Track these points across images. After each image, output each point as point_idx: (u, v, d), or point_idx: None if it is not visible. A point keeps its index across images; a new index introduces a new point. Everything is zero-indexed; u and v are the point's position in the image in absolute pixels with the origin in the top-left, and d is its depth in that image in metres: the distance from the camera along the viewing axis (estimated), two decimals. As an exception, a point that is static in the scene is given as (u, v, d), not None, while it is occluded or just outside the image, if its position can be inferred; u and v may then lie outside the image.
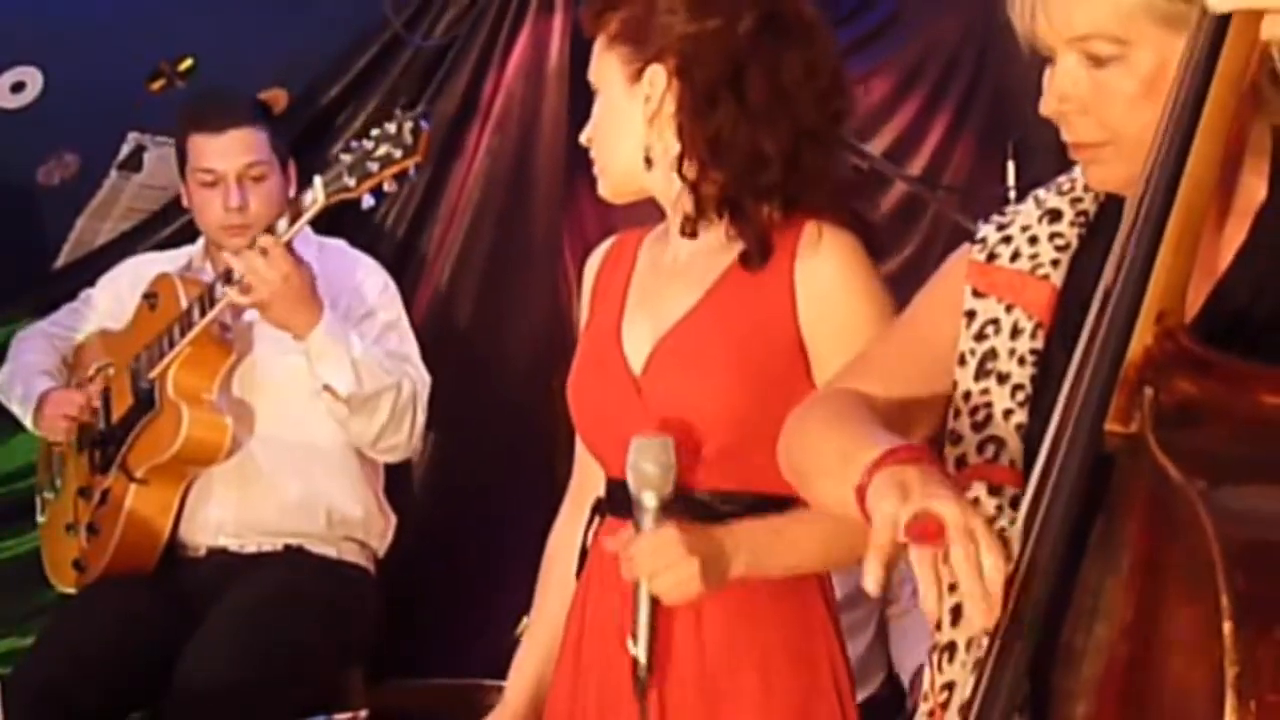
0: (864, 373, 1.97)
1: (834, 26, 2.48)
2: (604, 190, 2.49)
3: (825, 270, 2.31)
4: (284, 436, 3.75)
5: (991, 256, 1.87)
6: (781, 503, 2.20)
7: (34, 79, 4.29)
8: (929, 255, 4.35)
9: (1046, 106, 1.74)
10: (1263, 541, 1.40)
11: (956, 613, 1.72)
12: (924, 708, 1.85)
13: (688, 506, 2.27)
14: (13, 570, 4.28)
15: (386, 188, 3.41)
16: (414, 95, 4.45)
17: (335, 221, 3.80)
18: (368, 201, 3.42)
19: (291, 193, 3.74)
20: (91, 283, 4.07)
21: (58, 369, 3.97)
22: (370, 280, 3.88)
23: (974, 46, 4.58)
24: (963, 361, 1.85)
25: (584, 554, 2.46)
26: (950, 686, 1.79)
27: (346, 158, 3.39)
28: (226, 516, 3.76)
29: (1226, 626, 1.34)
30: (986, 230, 1.90)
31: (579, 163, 2.54)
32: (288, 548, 3.76)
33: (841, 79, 2.40)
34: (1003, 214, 1.91)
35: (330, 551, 3.79)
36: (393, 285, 3.91)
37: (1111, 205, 1.78)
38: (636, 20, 2.38)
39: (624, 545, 2.23)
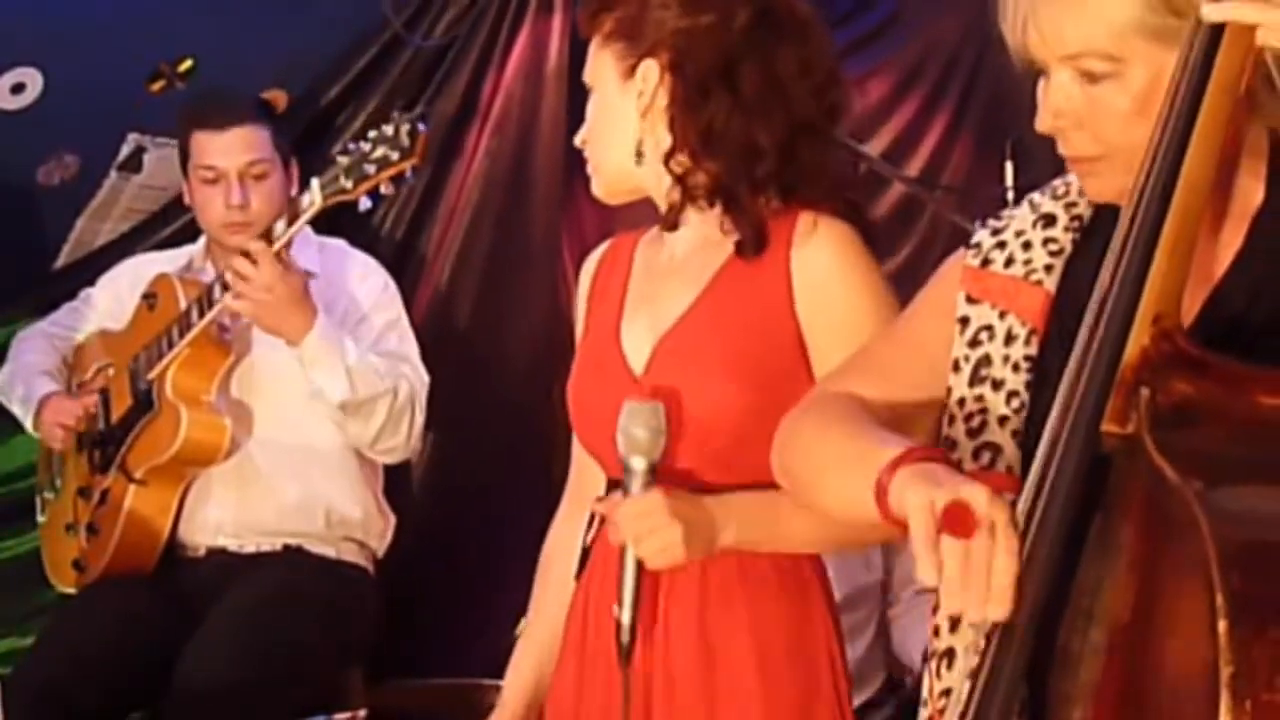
0: (858, 375, 1.97)
1: (832, 27, 2.48)
2: (598, 189, 2.49)
3: (821, 260, 2.31)
4: (283, 437, 3.75)
5: (986, 262, 1.87)
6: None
7: (34, 80, 4.29)
8: (927, 256, 4.35)
9: (1042, 122, 1.74)
10: (1259, 541, 1.41)
11: (956, 620, 1.73)
12: (923, 714, 1.85)
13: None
14: (13, 570, 4.28)
15: (384, 190, 3.41)
16: (413, 96, 4.45)
17: (334, 222, 3.80)
18: (365, 203, 3.43)
19: (293, 191, 3.75)
20: (91, 283, 4.07)
21: (58, 369, 3.97)
22: (370, 280, 3.88)
23: (973, 47, 4.59)
24: (957, 368, 1.85)
25: (585, 554, 2.47)
26: (948, 693, 1.79)
27: (344, 160, 3.40)
28: (225, 517, 3.76)
29: (1222, 626, 1.34)
30: (981, 235, 1.90)
31: (578, 163, 2.54)
32: (287, 548, 3.76)
33: (836, 73, 2.39)
34: (998, 218, 1.91)
35: (329, 552, 3.79)
36: (393, 285, 3.91)
37: (1106, 210, 1.78)
38: (630, 18, 2.39)
39: (611, 509, 2.25)
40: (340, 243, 3.96)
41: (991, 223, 1.91)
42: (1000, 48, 1.75)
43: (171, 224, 4.37)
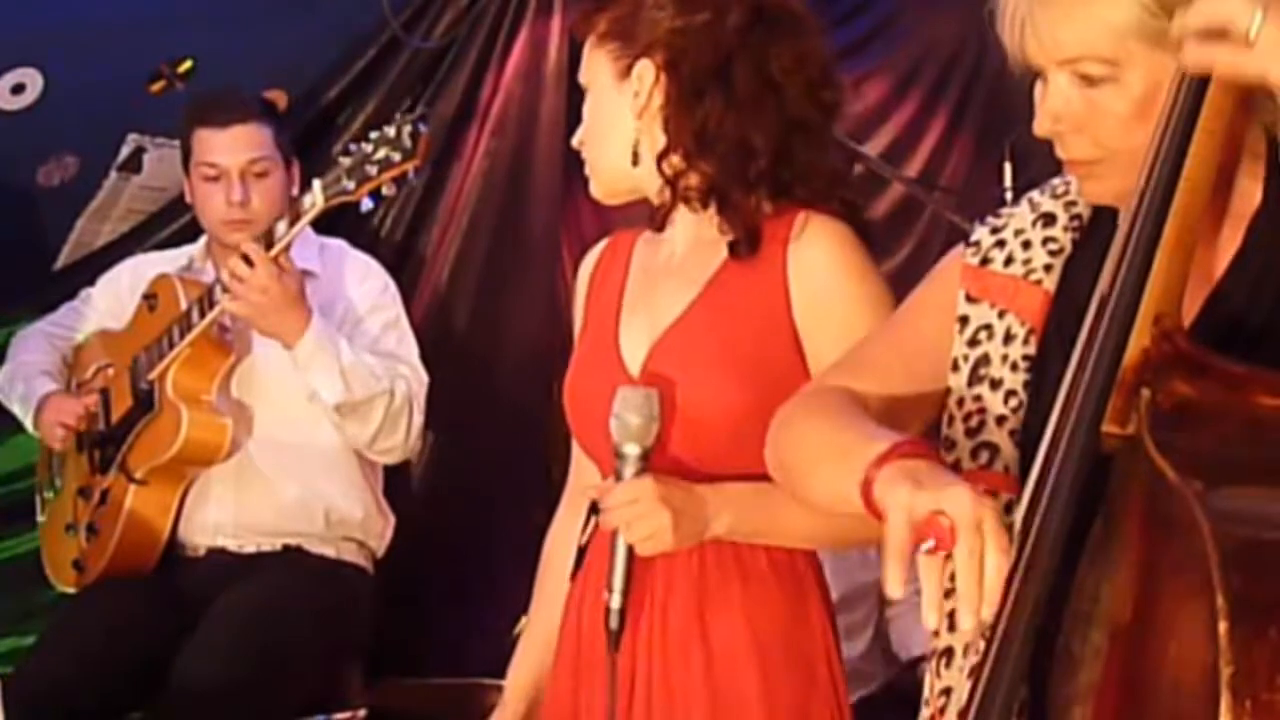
0: (854, 371, 1.97)
1: (831, 28, 2.48)
2: (595, 190, 2.49)
3: (817, 257, 2.31)
4: (283, 437, 3.75)
5: (985, 260, 1.86)
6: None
7: (34, 80, 4.29)
8: (925, 256, 4.36)
9: (1040, 126, 1.73)
10: (1259, 541, 1.40)
11: (954, 618, 1.73)
12: (924, 713, 1.85)
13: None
14: (13, 570, 4.28)
15: (385, 191, 3.41)
16: (413, 97, 4.45)
17: (333, 223, 3.80)
18: (366, 204, 3.43)
19: (294, 191, 3.75)
20: (91, 283, 4.07)
21: (58, 369, 3.97)
22: (370, 281, 3.88)
23: (971, 48, 4.60)
24: (956, 367, 1.85)
25: (580, 554, 2.47)
26: (948, 692, 1.79)
27: (345, 161, 3.40)
28: (225, 517, 3.76)
29: (1222, 626, 1.34)
30: (980, 233, 1.89)
31: (577, 164, 2.54)
32: (286, 548, 3.76)
33: (832, 71, 2.39)
34: (997, 216, 1.91)
35: (329, 552, 3.79)
36: (393, 286, 3.91)
37: (1106, 209, 1.78)
38: (625, 18, 2.39)
39: (603, 495, 2.25)
40: (340, 243, 3.95)
41: (991, 221, 1.90)
42: (998, 49, 1.75)
43: (171, 224, 4.37)
